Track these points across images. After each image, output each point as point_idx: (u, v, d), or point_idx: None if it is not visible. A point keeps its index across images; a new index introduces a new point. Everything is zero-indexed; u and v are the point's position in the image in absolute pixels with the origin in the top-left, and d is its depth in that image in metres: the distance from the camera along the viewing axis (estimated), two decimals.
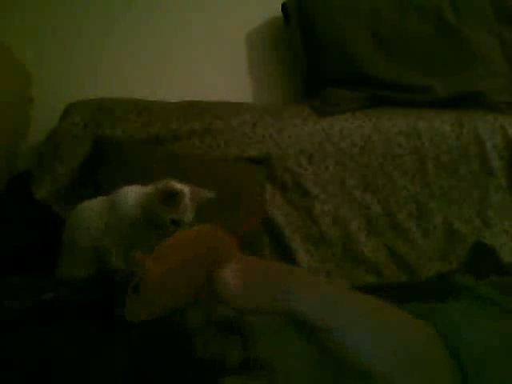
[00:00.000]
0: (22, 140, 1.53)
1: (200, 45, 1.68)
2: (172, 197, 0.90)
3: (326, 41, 1.58)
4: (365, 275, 1.38)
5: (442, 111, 1.54)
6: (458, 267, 1.41)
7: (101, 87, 1.54)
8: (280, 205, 1.40)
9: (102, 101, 1.41)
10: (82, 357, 0.67)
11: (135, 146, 1.34)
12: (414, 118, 1.50)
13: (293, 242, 1.37)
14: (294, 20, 1.60)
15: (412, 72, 1.58)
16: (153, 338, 0.65)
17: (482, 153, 1.50)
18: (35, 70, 1.53)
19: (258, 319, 0.26)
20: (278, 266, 0.27)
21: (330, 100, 1.53)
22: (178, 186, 0.91)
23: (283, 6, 1.63)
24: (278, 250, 1.36)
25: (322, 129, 1.45)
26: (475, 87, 1.58)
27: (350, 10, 1.60)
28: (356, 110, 1.51)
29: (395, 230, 1.44)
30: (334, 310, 0.25)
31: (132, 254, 0.25)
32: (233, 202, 1.24)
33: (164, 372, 0.60)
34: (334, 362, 0.25)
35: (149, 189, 0.95)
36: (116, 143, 1.32)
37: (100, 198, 1.00)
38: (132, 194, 0.95)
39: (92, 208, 0.99)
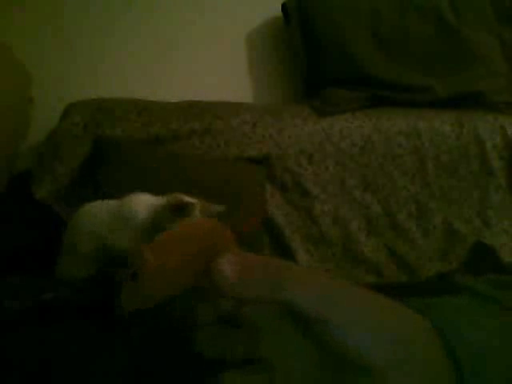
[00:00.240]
0: (21, 140, 1.53)
1: (200, 45, 1.68)
2: (182, 210, 0.90)
3: (325, 41, 1.59)
4: (365, 275, 1.38)
5: (442, 111, 1.54)
6: (458, 267, 1.41)
7: (101, 87, 1.54)
8: (280, 205, 1.40)
9: (102, 101, 1.41)
10: (82, 357, 0.67)
11: (135, 145, 1.34)
12: (414, 117, 1.50)
13: (293, 241, 1.37)
14: (294, 20, 1.60)
15: (412, 72, 1.58)
16: (153, 337, 0.65)
17: (482, 153, 1.50)
18: (35, 70, 1.53)
19: (255, 313, 0.26)
20: (277, 261, 0.27)
21: (330, 100, 1.53)
22: (189, 199, 0.92)
23: (283, 6, 1.63)
24: (277, 250, 1.36)
25: (322, 129, 1.45)
26: (475, 87, 1.58)
27: (350, 10, 1.60)
28: (356, 110, 1.51)
29: (395, 230, 1.44)
30: (331, 302, 0.25)
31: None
32: (233, 202, 1.24)
33: (164, 372, 0.60)
34: (332, 357, 0.25)
35: (160, 201, 0.95)
36: (116, 143, 1.32)
37: (107, 202, 1.00)
38: (143, 205, 0.95)
39: (97, 212, 0.99)
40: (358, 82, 1.56)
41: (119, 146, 1.31)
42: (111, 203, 0.99)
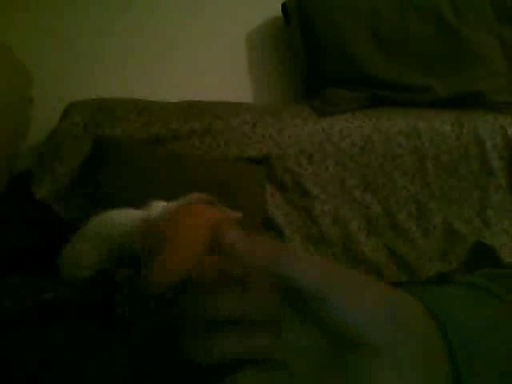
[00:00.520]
0: (22, 140, 1.53)
1: (200, 45, 1.68)
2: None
3: (325, 41, 1.58)
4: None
5: (442, 111, 1.54)
6: (458, 267, 1.41)
7: (101, 87, 1.54)
8: (280, 205, 1.40)
9: (102, 101, 1.41)
10: (82, 357, 0.67)
11: (135, 145, 1.34)
12: (414, 117, 1.50)
13: (293, 241, 1.37)
14: (294, 20, 1.60)
15: (412, 72, 1.58)
16: (153, 337, 0.65)
17: (482, 153, 1.50)
18: (35, 70, 1.53)
19: (256, 308, 0.26)
20: (279, 241, 0.28)
21: (330, 100, 1.53)
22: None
23: (283, 6, 1.63)
24: None
25: (322, 129, 1.45)
26: (475, 87, 1.58)
27: (350, 10, 1.60)
28: (356, 110, 1.51)
29: (395, 230, 1.44)
30: (331, 279, 0.25)
31: None
32: (233, 202, 1.24)
33: (164, 372, 0.60)
34: (331, 337, 0.25)
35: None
36: (116, 143, 1.32)
37: (131, 211, 1.00)
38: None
39: (122, 219, 0.99)
40: (358, 81, 1.56)
41: (119, 145, 1.31)
42: (135, 212, 1.00)
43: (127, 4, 1.64)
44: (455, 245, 1.43)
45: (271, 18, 1.73)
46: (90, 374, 0.64)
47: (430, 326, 0.25)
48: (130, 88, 1.55)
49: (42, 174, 1.30)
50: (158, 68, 1.65)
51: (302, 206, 1.41)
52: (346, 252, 1.40)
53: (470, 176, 1.49)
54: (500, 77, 1.62)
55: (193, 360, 0.25)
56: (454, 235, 1.44)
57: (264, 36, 1.75)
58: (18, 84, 1.50)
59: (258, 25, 1.74)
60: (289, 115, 1.47)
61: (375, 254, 1.41)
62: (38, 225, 1.22)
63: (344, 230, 1.41)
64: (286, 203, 1.41)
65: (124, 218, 1.00)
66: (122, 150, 1.31)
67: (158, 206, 0.96)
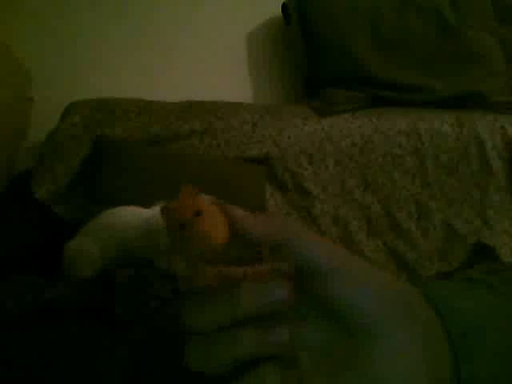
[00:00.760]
0: (22, 140, 1.53)
1: (200, 45, 1.68)
2: None
3: (325, 41, 1.58)
4: None
5: (442, 111, 1.54)
6: (458, 267, 1.41)
7: (101, 87, 1.54)
8: (280, 205, 1.40)
9: (101, 101, 1.40)
10: (82, 357, 0.67)
11: (135, 145, 1.34)
12: (414, 117, 1.50)
13: None
14: (294, 20, 1.60)
15: (412, 72, 1.58)
16: (153, 337, 0.65)
17: (482, 153, 1.50)
18: (35, 70, 1.53)
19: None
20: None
21: (330, 100, 1.53)
22: None
23: (283, 5, 1.63)
24: None
25: (322, 129, 1.45)
26: (475, 87, 1.58)
27: (350, 10, 1.60)
28: (356, 110, 1.51)
29: (395, 230, 1.44)
30: (337, 257, 0.26)
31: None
32: (233, 202, 1.23)
33: (164, 372, 0.60)
34: (337, 327, 0.25)
35: None
36: (116, 143, 1.32)
37: (141, 210, 1.01)
38: None
39: (126, 216, 0.99)
40: (358, 81, 1.56)
41: (119, 145, 1.31)
42: (141, 210, 1.00)
43: (127, 4, 1.64)
44: (455, 245, 1.43)
45: (271, 18, 1.73)
46: (90, 374, 0.64)
47: (431, 314, 0.26)
48: (130, 88, 1.55)
49: (41, 174, 1.30)
50: (157, 68, 1.65)
51: (301, 205, 1.41)
52: None
53: (470, 176, 1.49)
54: (500, 77, 1.62)
55: (190, 368, 0.25)
56: (453, 235, 1.44)
57: (264, 36, 1.75)
58: (18, 84, 1.50)
59: (258, 25, 1.74)
60: (289, 115, 1.47)
61: (375, 254, 1.41)
62: (38, 225, 1.22)
63: (344, 230, 1.41)
64: (285, 203, 1.41)
65: (130, 215, 1.00)
66: (122, 150, 1.31)
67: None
